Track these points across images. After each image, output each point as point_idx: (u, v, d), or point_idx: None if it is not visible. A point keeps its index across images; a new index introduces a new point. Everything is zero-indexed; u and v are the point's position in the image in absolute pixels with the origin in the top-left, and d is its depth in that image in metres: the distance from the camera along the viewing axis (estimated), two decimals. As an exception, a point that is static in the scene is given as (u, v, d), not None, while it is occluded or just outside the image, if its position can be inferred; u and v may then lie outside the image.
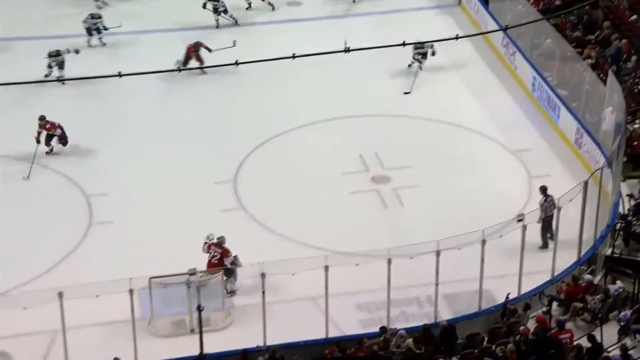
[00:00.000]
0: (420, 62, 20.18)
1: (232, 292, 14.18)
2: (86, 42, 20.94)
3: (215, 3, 21.76)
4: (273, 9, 22.71)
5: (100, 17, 21.15)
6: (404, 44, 14.96)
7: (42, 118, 17.01)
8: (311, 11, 22.89)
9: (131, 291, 12.64)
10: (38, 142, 16.96)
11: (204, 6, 21.83)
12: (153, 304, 13.60)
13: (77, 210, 15.98)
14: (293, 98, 19.42)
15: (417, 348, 12.84)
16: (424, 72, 20.16)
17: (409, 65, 20.16)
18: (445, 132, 18.70)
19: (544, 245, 15.09)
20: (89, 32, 20.98)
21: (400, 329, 13.16)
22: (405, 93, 19.44)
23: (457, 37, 16.26)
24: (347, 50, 15.18)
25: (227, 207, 16.35)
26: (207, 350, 12.79)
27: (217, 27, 21.78)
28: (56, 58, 19.43)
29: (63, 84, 19.04)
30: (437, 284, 13.63)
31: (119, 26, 21.03)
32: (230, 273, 14.11)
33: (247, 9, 22.54)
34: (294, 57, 14.42)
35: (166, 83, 19.33)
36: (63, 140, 17.28)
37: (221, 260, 14.11)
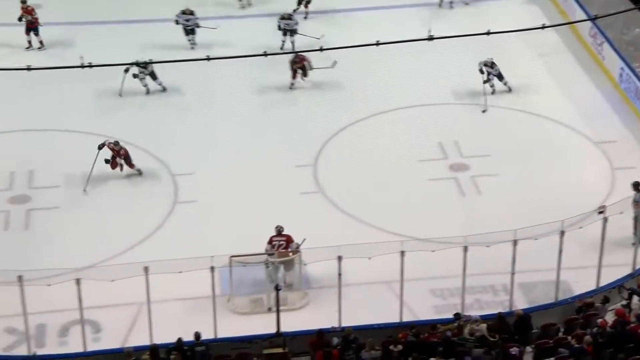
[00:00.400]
0: (490, 80, 19.02)
1: (289, 285, 13.98)
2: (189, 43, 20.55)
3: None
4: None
5: (192, 13, 20.49)
6: (488, 33, 14.89)
7: (116, 143, 16.31)
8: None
9: (212, 269, 13.04)
10: (107, 161, 16.30)
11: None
12: (233, 281, 14.00)
13: (164, 189, 16.48)
14: (376, 85, 19.48)
15: (491, 336, 12.88)
16: (508, 63, 19.89)
17: (484, 82, 19.09)
18: (527, 122, 18.55)
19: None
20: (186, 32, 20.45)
21: (474, 315, 13.23)
22: (483, 112, 18.98)
23: (543, 27, 16.07)
24: (430, 38, 15.23)
25: (306, 190, 16.63)
26: (284, 328, 13.17)
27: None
28: (144, 70, 18.62)
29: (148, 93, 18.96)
30: (513, 273, 13.63)
31: (215, 28, 20.49)
32: (290, 266, 14.20)
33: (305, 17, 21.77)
34: (377, 44, 14.58)
35: (254, 68, 19.62)
36: (128, 161, 16.64)
37: (287, 248, 14.28)
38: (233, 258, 13.90)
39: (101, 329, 13.53)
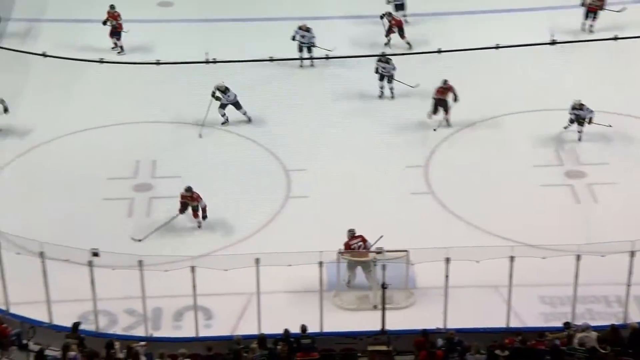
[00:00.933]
0: (577, 123, 17.65)
1: (386, 286, 13.41)
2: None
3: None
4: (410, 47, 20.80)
5: (308, 30, 19.90)
6: (615, 38, 14.52)
7: (188, 189, 15.60)
8: (515, 2, 22.56)
9: (320, 263, 13.30)
10: (181, 212, 15.65)
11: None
12: (340, 277, 14.23)
13: (278, 184, 16.86)
14: (492, 88, 19.34)
15: (602, 347, 12.59)
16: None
17: (565, 127, 17.96)
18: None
19: None
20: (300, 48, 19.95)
21: (585, 323, 12.97)
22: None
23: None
24: (553, 42, 15.04)
25: (416, 191, 16.69)
26: (389, 326, 13.28)
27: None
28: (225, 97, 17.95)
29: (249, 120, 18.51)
30: (629, 285, 13.27)
31: (330, 50, 19.87)
32: (367, 267, 14.16)
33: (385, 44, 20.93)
34: (497, 47, 14.50)
35: (364, 68, 19.78)
36: (204, 214, 15.80)
37: (366, 248, 14.35)
38: (341, 254, 14.15)
39: (213, 316, 13.99)
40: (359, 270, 14.35)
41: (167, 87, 19.53)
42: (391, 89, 19.18)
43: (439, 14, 22.12)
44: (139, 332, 13.44)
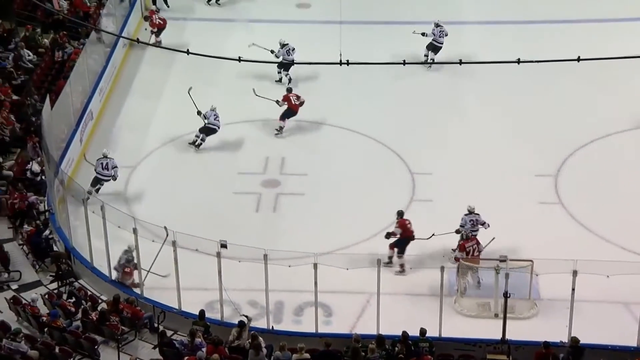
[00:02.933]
0: None
1: (508, 295, 13.24)
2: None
3: None
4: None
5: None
6: None
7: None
8: None
9: (442, 268, 13.27)
10: None
11: None
12: (460, 282, 14.14)
13: (403, 186, 16.91)
14: (628, 99, 18.71)
15: None
16: None
17: None
18: None
19: None
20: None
21: None
22: None
23: None
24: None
25: (545, 201, 16.34)
26: (510, 336, 13.10)
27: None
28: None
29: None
30: None
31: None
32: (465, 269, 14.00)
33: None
34: (578, 60, 14.12)
35: (502, 74, 19.51)
36: None
37: (479, 251, 14.29)
38: (463, 261, 14.06)
39: (332, 313, 14.20)
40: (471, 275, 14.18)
41: (301, 86, 19.92)
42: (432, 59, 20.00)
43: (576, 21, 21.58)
44: (261, 323, 13.81)
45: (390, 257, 14.74)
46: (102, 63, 19.80)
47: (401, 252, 14.76)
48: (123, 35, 20.55)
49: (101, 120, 19.07)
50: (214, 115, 18.11)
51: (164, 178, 17.51)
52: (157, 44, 20.73)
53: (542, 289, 14.20)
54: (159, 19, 21.38)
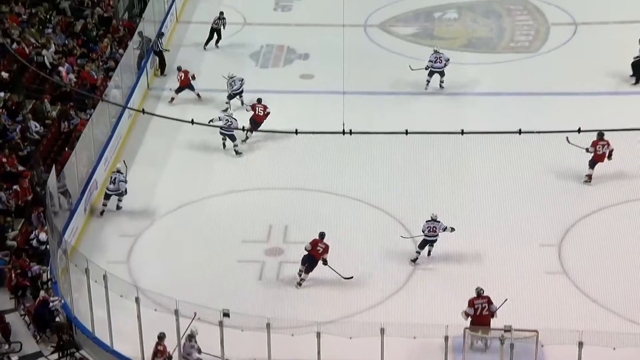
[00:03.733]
0: None
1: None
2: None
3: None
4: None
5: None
6: None
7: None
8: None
9: (446, 338, 13.15)
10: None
11: None
12: (466, 353, 13.99)
13: (406, 254, 16.88)
14: (632, 169, 18.77)
15: None
16: None
17: None
18: None
19: None
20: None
21: None
22: None
23: None
24: None
25: (550, 270, 16.29)
26: (515, 408, 12.90)
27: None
28: None
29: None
30: None
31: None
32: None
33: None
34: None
35: (505, 142, 19.66)
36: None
37: (489, 309, 14.28)
38: (468, 330, 13.94)
39: (336, 383, 14.04)
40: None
41: (303, 155, 20.10)
42: (441, 82, 21.79)
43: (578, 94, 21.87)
44: (262, 393, 13.64)
45: None
46: (108, 133, 20.04)
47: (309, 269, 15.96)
48: (129, 106, 20.85)
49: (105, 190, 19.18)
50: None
51: (167, 246, 17.52)
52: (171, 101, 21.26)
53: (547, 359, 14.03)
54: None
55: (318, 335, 13.13)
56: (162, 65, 23.47)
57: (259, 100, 20.39)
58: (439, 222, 16.37)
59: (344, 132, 15.31)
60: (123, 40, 23.82)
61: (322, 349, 13.19)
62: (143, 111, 19.34)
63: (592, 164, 18.61)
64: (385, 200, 18.40)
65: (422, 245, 16.52)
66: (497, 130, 19.14)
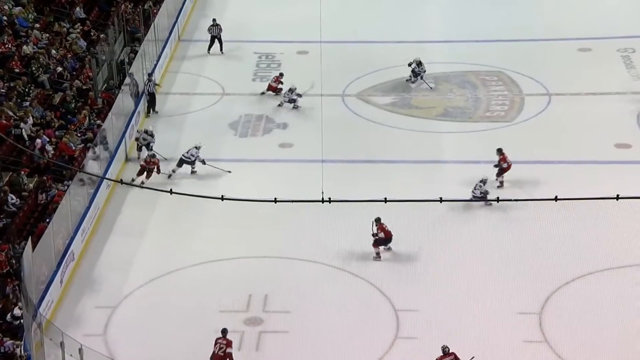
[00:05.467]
0: None
1: None
2: None
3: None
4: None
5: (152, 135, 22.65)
6: None
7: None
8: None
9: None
10: None
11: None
12: None
13: (386, 323, 16.75)
14: (610, 239, 18.90)
15: None
16: None
17: None
18: None
19: None
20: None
21: None
22: None
23: None
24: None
25: (530, 339, 16.20)
26: None
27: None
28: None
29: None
30: None
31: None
32: None
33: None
34: (617, 198, 14.45)
35: (484, 210, 19.76)
36: None
37: None
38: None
39: None
40: None
41: (282, 223, 20.07)
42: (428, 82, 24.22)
43: (555, 162, 22.18)
44: None
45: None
46: (85, 204, 19.94)
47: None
48: (107, 177, 20.82)
49: (82, 261, 19.00)
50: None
51: (145, 318, 17.27)
52: (141, 184, 21.06)
53: None
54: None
55: (298, 407, 12.90)
56: (153, 105, 24.61)
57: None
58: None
59: (323, 201, 15.35)
60: (102, 111, 23.93)
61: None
62: (121, 181, 19.32)
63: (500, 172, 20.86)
64: (364, 269, 18.31)
65: None
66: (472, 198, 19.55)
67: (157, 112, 24.81)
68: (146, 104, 24.76)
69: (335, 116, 24.22)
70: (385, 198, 16.37)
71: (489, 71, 26.97)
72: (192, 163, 22.07)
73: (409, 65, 25.65)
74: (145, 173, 21.49)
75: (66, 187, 19.99)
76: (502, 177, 20.99)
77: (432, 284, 17.75)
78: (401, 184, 20.86)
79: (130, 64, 25.32)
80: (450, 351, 14.55)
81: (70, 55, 25.77)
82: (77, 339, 14.86)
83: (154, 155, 21.76)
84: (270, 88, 25.62)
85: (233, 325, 16.87)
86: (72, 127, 22.91)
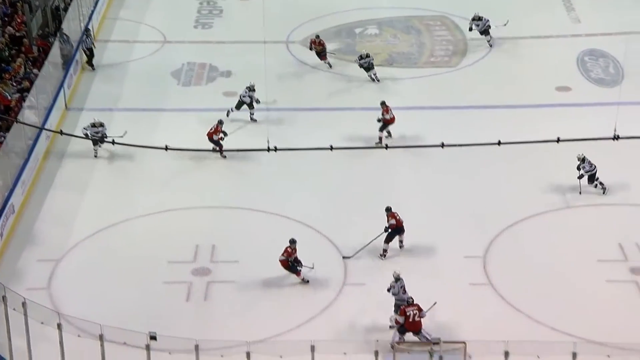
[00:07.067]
0: (583, 177, 18.36)
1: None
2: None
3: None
4: (330, 67, 23.69)
5: (254, 90, 21.29)
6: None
7: (292, 241, 16.46)
8: (579, 97, 22.68)
9: (376, 353, 13.13)
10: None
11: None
12: (394, 365, 14.03)
13: (333, 271, 16.85)
14: (551, 181, 19.22)
15: None
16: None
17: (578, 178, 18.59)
18: None
19: None
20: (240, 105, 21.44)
21: None
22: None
23: None
24: (615, 137, 15.08)
25: (475, 282, 16.49)
26: (446, 419, 12.98)
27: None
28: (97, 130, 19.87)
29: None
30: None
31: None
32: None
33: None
34: (558, 141, 14.61)
35: (429, 157, 19.86)
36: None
37: (420, 317, 14.54)
38: (397, 345, 13.96)
39: (267, 403, 13.88)
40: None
41: (228, 173, 19.92)
42: (374, 74, 23.08)
43: (498, 107, 22.36)
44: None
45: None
46: (24, 156, 19.44)
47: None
48: (46, 127, 20.30)
49: (23, 214, 18.60)
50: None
51: (89, 271, 17.06)
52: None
53: (470, 369, 14.19)
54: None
55: (248, 355, 12.97)
56: (91, 60, 23.73)
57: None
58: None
59: (268, 149, 15.24)
60: (37, 59, 23.22)
61: (253, 369, 13.00)
62: (61, 132, 18.88)
63: (383, 127, 20.52)
64: (312, 217, 18.33)
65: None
66: (420, 144, 19.65)
67: (94, 68, 23.91)
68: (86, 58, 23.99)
69: (280, 63, 23.96)
70: (331, 146, 16.37)
71: (433, 16, 26.95)
72: (249, 105, 21.35)
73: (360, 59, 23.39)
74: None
75: (3, 138, 19.44)
76: (387, 130, 20.61)
77: (378, 231, 17.84)
78: (347, 132, 20.82)
79: (65, 9, 24.54)
80: (414, 302, 14.69)
81: (1, 1, 24.86)
82: (20, 293, 14.60)
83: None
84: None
85: (181, 276, 16.81)
86: (7, 76, 22.20)
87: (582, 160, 18.56)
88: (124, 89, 23.37)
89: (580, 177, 18.50)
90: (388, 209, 17.19)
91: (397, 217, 17.12)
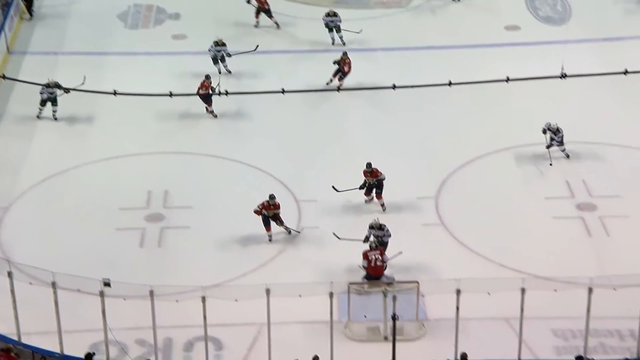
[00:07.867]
0: (552, 146, 17.95)
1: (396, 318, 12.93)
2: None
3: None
4: (278, 27, 22.89)
5: (224, 45, 20.72)
6: (625, 72, 14.67)
7: (271, 197, 16.13)
8: (528, 36, 22.80)
9: (331, 294, 13.28)
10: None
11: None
12: (351, 308, 14.22)
13: (289, 214, 16.85)
14: (503, 120, 19.42)
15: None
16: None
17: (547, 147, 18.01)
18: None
19: None
20: (214, 60, 20.65)
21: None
22: (550, 165, 18.05)
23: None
24: (563, 76, 15.24)
25: (427, 222, 16.71)
26: (399, 358, 13.17)
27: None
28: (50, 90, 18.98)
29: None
30: (641, 318, 13.23)
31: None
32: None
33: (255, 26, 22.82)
34: (507, 80, 14.68)
35: (380, 98, 19.89)
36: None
37: (383, 262, 14.63)
38: (352, 285, 14.15)
39: (223, 346, 13.98)
40: (372, 300, 14.28)
41: (179, 117, 19.69)
42: (340, 37, 22.04)
43: (449, 47, 22.38)
44: (150, 363, 13.43)
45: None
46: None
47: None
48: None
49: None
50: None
51: (39, 218, 16.84)
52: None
53: (428, 309, 14.45)
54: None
55: (203, 299, 12.99)
56: (30, 8, 22.77)
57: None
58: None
59: (220, 93, 15.07)
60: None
61: (208, 314, 13.05)
62: (4, 77, 18.39)
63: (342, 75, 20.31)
64: (265, 162, 18.27)
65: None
66: (371, 86, 19.63)
67: (32, 16, 23.00)
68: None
69: (230, 6, 23.55)
70: (283, 89, 16.28)
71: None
72: (222, 60, 20.56)
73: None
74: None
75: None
76: (342, 81, 20.37)
77: (332, 173, 17.87)
78: (296, 75, 20.67)
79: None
80: (376, 247, 14.83)
81: None
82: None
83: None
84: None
85: (134, 222, 16.70)
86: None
87: (557, 130, 17.99)
88: (68, 31, 22.78)
89: (549, 146, 18.14)
90: (368, 165, 16.84)
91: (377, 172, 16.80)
